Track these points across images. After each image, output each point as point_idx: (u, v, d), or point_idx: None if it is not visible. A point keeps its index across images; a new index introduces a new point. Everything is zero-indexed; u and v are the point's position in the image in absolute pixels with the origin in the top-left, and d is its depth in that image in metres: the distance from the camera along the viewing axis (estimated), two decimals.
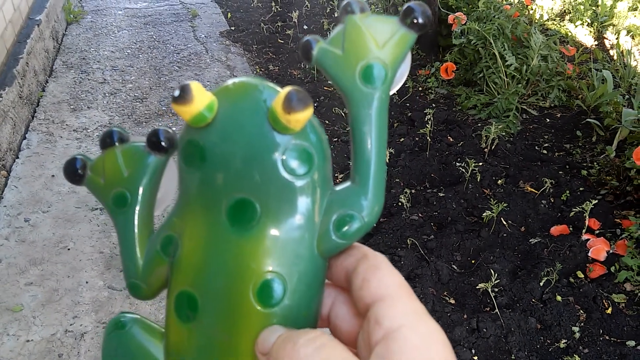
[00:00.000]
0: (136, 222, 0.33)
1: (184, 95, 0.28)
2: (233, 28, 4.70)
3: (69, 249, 2.29)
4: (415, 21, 0.30)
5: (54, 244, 2.31)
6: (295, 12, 4.58)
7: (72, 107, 3.39)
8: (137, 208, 0.33)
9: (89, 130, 3.14)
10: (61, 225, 2.42)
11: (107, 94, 3.56)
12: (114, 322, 0.35)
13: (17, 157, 2.86)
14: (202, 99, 0.29)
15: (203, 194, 0.30)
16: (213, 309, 0.29)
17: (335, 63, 0.30)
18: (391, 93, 0.31)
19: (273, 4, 5.05)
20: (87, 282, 2.14)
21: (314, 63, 0.31)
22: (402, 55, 0.30)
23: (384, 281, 0.29)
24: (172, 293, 0.31)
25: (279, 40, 4.42)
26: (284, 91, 0.28)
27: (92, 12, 5.01)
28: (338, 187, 0.32)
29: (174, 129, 0.30)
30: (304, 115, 0.28)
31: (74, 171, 0.33)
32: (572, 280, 2.08)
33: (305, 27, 4.67)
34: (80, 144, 3.02)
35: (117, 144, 0.32)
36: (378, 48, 0.30)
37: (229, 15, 4.97)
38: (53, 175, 2.74)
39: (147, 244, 0.33)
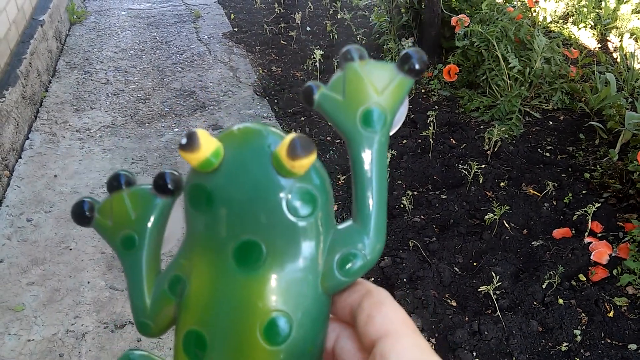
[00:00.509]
0: (144, 263, 0.33)
1: (191, 143, 0.29)
2: (236, 29, 4.70)
3: (70, 249, 2.29)
4: (412, 67, 0.31)
5: (56, 244, 2.32)
6: (298, 13, 4.58)
7: (75, 107, 3.39)
8: (145, 249, 0.33)
9: (91, 131, 3.15)
10: (63, 225, 2.42)
11: (110, 95, 3.56)
12: (124, 357, 0.35)
13: (20, 157, 2.86)
14: (208, 146, 0.30)
15: (210, 235, 0.31)
16: (221, 347, 0.30)
17: (337, 108, 0.32)
18: (390, 134, 0.32)
19: (276, 5, 5.05)
20: (88, 282, 2.14)
21: (316, 107, 0.32)
22: (400, 100, 0.32)
23: (388, 317, 0.30)
24: (180, 332, 0.32)
25: (282, 41, 4.43)
26: (287, 138, 0.29)
27: (95, 12, 5.02)
28: (340, 226, 0.33)
29: (177, 172, 0.30)
30: (308, 161, 0.29)
31: (82, 213, 0.33)
32: (574, 283, 2.08)
33: (308, 28, 4.67)
34: (83, 144, 3.02)
35: (124, 186, 0.33)
36: (377, 94, 0.31)
37: (232, 16, 4.97)
38: (55, 176, 2.74)
39: (154, 284, 0.34)
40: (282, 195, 0.30)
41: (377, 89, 0.31)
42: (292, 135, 0.29)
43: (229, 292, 0.31)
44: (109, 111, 3.37)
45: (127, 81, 3.75)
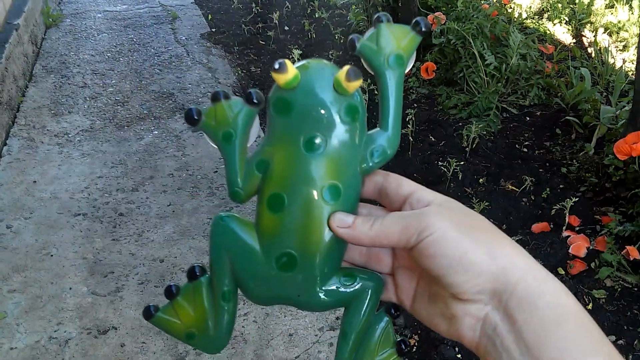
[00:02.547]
0: (237, 150, 0.47)
1: (281, 68, 0.42)
2: (214, 30, 4.69)
3: (52, 256, 2.28)
4: (420, 29, 0.45)
5: (36, 250, 2.30)
6: (275, 13, 4.58)
7: (52, 112, 3.37)
8: (238, 141, 0.46)
9: (70, 135, 3.13)
10: (44, 231, 2.40)
11: (87, 98, 3.54)
12: (217, 218, 0.48)
13: None
14: (292, 71, 0.43)
15: (288, 132, 0.45)
16: (295, 203, 0.44)
17: (371, 53, 0.46)
18: (406, 71, 0.46)
19: (253, 5, 5.05)
20: (70, 288, 2.13)
21: (357, 53, 0.46)
22: (413, 49, 0.46)
23: (411, 182, 0.46)
24: (264, 195, 0.46)
25: (260, 41, 4.43)
26: (345, 68, 0.43)
27: (71, 15, 4.97)
28: (370, 131, 0.47)
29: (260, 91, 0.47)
30: (358, 84, 0.43)
31: (192, 117, 0.46)
32: None
33: (286, 28, 4.68)
34: (62, 149, 3.00)
35: (223, 99, 0.46)
36: (398, 45, 0.46)
37: (210, 17, 4.96)
38: (35, 181, 2.72)
39: (244, 165, 0.47)
40: (337, 107, 0.44)
41: (399, 42, 0.45)
42: (348, 66, 0.43)
43: (300, 168, 0.44)
44: (87, 115, 3.34)
45: (105, 84, 3.73)
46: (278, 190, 0.45)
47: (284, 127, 0.45)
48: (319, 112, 0.44)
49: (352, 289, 0.47)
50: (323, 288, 0.46)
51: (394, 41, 0.46)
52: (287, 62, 0.43)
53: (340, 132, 0.45)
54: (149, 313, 0.50)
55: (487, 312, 0.38)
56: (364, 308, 0.47)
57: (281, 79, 0.44)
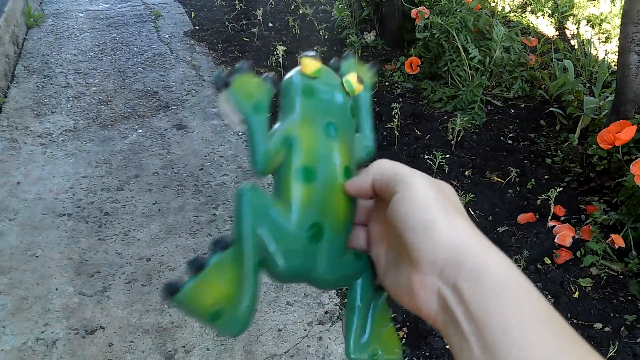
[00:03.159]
0: (264, 122, 0.50)
1: (315, 57, 0.51)
2: (197, 27, 4.66)
3: (37, 257, 2.26)
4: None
5: (21, 251, 2.28)
6: (259, 9, 4.56)
7: (35, 112, 3.34)
8: (264, 114, 0.50)
9: (53, 136, 3.10)
10: (28, 232, 2.38)
11: (71, 98, 3.51)
12: (242, 190, 0.49)
13: None
14: (319, 63, 0.51)
15: (312, 113, 0.51)
16: (324, 178, 0.50)
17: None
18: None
19: (237, 2, 5.03)
20: (57, 289, 2.11)
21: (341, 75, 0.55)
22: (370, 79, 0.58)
23: (388, 165, 0.49)
24: (293, 167, 0.50)
25: (244, 38, 4.41)
26: (354, 72, 0.54)
27: (52, 15, 4.93)
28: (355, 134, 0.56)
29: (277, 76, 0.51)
30: (362, 87, 0.54)
31: (224, 80, 0.48)
32: (539, 266, 2.12)
33: (270, 24, 4.66)
34: (46, 149, 2.97)
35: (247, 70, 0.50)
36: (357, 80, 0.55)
37: (193, 14, 4.93)
38: (18, 182, 2.70)
39: (268, 139, 0.50)
40: (345, 104, 0.53)
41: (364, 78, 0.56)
42: (355, 72, 0.55)
43: (325, 147, 0.51)
44: (70, 115, 3.32)
45: (88, 84, 3.70)
46: (309, 164, 0.50)
47: (309, 108, 0.51)
48: (335, 104, 0.53)
49: (361, 264, 0.52)
50: (342, 261, 0.51)
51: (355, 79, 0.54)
52: (317, 54, 0.51)
53: (347, 124, 0.53)
54: (174, 289, 0.45)
55: (440, 286, 0.40)
56: (370, 282, 0.52)
57: (312, 65, 0.51)
